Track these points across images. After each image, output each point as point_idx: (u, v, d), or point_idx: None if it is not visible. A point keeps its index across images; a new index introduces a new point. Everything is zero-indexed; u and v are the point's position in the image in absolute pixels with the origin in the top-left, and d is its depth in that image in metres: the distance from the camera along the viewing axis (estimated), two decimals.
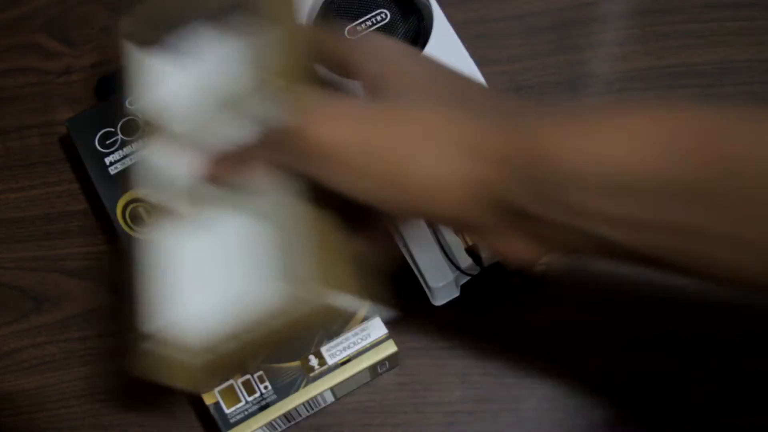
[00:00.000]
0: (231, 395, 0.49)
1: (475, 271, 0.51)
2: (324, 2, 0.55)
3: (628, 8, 0.60)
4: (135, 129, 0.55)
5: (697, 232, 0.29)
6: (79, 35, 0.61)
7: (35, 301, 0.56)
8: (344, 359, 0.50)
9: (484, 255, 0.50)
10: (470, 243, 0.50)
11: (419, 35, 0.55)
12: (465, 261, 0.50)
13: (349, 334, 0.50)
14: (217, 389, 0.49)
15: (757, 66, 0.57)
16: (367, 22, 0.54)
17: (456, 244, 0.50)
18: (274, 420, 0.49)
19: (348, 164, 0.33)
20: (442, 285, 0.51)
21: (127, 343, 0.54)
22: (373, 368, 0.50)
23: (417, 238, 0.51)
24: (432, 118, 0.32)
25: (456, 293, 0.52)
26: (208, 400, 0.49)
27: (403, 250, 0.53)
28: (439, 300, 0.52)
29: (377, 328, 0.50)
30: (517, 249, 0.33)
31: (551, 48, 0.59)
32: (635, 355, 0.51)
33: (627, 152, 0.29)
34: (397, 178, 0.32)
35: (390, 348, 0.50)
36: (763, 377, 0.50)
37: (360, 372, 0.50)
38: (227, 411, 0.49)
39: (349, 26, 0.54)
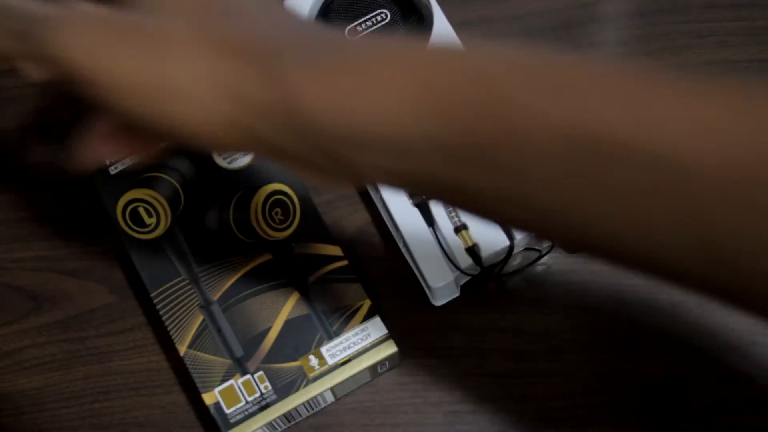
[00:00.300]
0: (231, 395, 0.49)
1: (475, 271, 0.51)
2: (324, 2, 0.55)
3: (628, 8, 0.60)
4: None
5: (456, 186, 0.28)
6: None
7: (35, 301, 0.56)
8: (344, 359, 0.50)
9: (484, 255, 0.50)
10: (470, 243, 0.50)
11: (419, 35, 0.55)
12: (465, 261, 0.50)
13: (349, 334, 0.50)
14: (216, 389, 0.49)
15: (757, 66, 0.57)
16: (367, 22, 0.54)
17: (456, 244, 0.50)
18: (274, 420, 0.49)
19: (92, 81, 0.30)
20: (442, 285, 0.51)
21: (127, 343, 0.54)
22: (373, 368, 0.50)
23: (417, 238, 0.51)
24: (182, 45, 0.29)
25: (456, 293, 0.52)
26: (209, 400, 0.49)
27: (403, 250, 0.53)
28: (439, 300, 0.52)
29: (377, 328, 0.50)
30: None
31: (551, 48, 0.59)
32: (635, 355, 0.52)
33: (371, 103, 0.27)
34: (151, 107, 0.30)
35: (390, 348, 0.50)
36: (763, 377, 0.50)
37: (360, 372, 0.50)
38: (227, 411, 0.49)
39: (350, 26, 0.54)
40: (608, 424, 0.50)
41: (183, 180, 0.53)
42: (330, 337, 0.50)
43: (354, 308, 0.50)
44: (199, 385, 0.50)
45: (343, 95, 0.28)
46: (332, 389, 0.50)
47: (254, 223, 0.52)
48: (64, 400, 0.54)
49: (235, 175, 0.53)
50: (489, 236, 0.51)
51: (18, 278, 0.56)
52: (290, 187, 0.53)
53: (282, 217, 0.52)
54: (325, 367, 0.49)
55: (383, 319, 0.50)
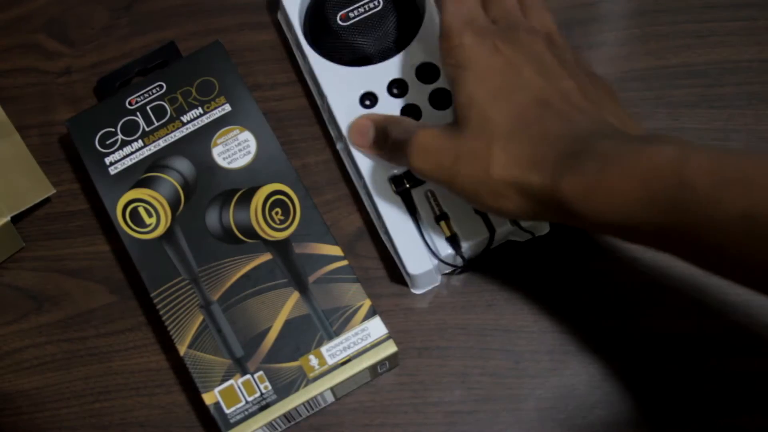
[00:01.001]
0: (231, 395, 0.49)
1: (456, 261, 0.51)
2: None
3: (628, 8, 0.60)
4: (135, 129, 0.55)
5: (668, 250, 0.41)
6: (79, 35, 0.61)
7: (35, 301, 0.56)
8: (344, 359, 0.50)
9: (465, 245, 0.51)
10: (450, 233, 0.51)
11: (410, 24, 0.55)
12: (445, 250, 0.51)
13: (349, 334, 0.50)
14: (216, 389, 0.49)
15: (757, 66, 0.57)
16: (359, 9, 0.55)
17: (438, 233, 0.51)
18: (274, 420, 0.49)
19: (429, 177, 0.47)
20: (420, 273, 0.51)
21: (127, 343, 0.54)
22: (373, 368, 0.50)
23: (398, 226, 0.52)
24: (498, 165, 0.44)
25: (436, 282, 0.53)
26: (208, 400, 0.49)
27: (384, 238, 0.53)
28: (419, 288, 0.53)
29: (377, 328, 0.50)
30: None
31: None
32: (635, 356, 0.51)
33: (607, 200, 0.40)
34: (479, 198, 0.45)
35: (390, 348, 0.50)
36: (763, 377, 0.50)
37: (360, 372, 0.50)
38: (227, 411, 0.49)
39: (341, 12, 0.55)
40: (608, 423, 0.50)
41: (183, 180, 0.53)
42: (330, 337, 0.50)
43: (354, 308, 0.50)
44: (199, 385, 0.50)
45: (591, 195, 0.40)
46: (332, 389, 0.50)
47: (254, 223, 0.52)
48: (64, 400, 0.54)
49: (235, 175, 0.53)
50: (471, 227, 0.51)
51: (18, 278, 0.56)
52: (290, 187, 0.53)
53: (282, 217, 0.52)
54: (325, 367, 0.49)
55: (383, 319, 0.50)
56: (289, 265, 0.51)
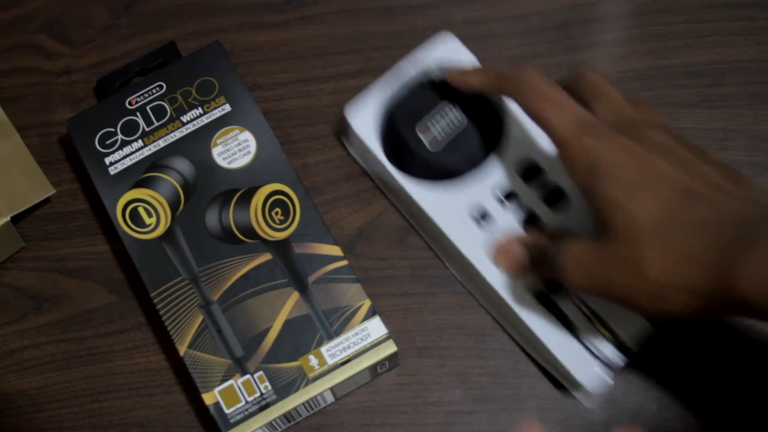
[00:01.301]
0: (231, 395, 0.49)
1: (619, 359, 0.49)
2: (390, 109, 0.53)
3: (628, 8, 0.60)
4: (135, 129, 0.55)
5: None
6: (79, 35, 0.61)
7: (35, 301, 0.56)
8: (344, 359, 0.50)
9: (627, 341, 0.49)
10: (608, 334, 0.49)
11: (496, 127, 0.53)
12: (606, 350, 0.49)
13: (349, 334, 0.50)
14: (216, 389, 0.50)
15: (757, 66, 0.57)
16: (442, 128, 0.52)
17: (593, 334, 0.49)
18: (274, 420, 0.49)
19: (584, 289, 0.45)
20: (594, 383, 0.48)
21: (127, 343, 0.54)
22: (373, 368, 0.50)
23: (552, 337, 0.49)
24: (653, 269, 0.41)
25: (609, 382, 0.50)
26: (208, 400, 0.49)
27: (533, 353, 0.51)
28: (590, 396, 0.50)
29: (377, 328, 0.50)
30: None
31: (551, 48, 0.59)
32: (634, 356, 0.51)
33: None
34: (639, 302, 0.42)
35: (390, 348, 0.50)
36: (763, 377, 0.50)
37: (360, 372, 0.50)
38: (227, 411, 0.49)
39: (429, 138, 0.52)
40: (608, 423, 0.50)
41: (183, 180, 0.53)
42: (330, 337, 0.50)
43: (354, 308, 0.50)
44: (199, 385, 0.50)
45: (758, 281, 0.38)
46: (332, 389, 0.50)
47: (254, 223, 0.52)
48: (64, 400, 0.54)
49: (235, 175, 0.53)
50: (627, 322, 0.49)
51: (18, 278, 0.56)
52: (290, 187, 0.53)
53: (282, 217, 0.52)
54: (325, 367, 0.49)
55: (383, 319, 0.50)
56: (289, 265, 0.51)
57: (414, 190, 0.52)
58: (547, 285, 0.49)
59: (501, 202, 0.51)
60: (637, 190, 0.42)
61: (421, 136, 0.52)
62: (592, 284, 0.43)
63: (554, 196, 0.51)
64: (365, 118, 0.53)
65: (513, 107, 0.52)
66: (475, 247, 0.50)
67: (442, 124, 0.52)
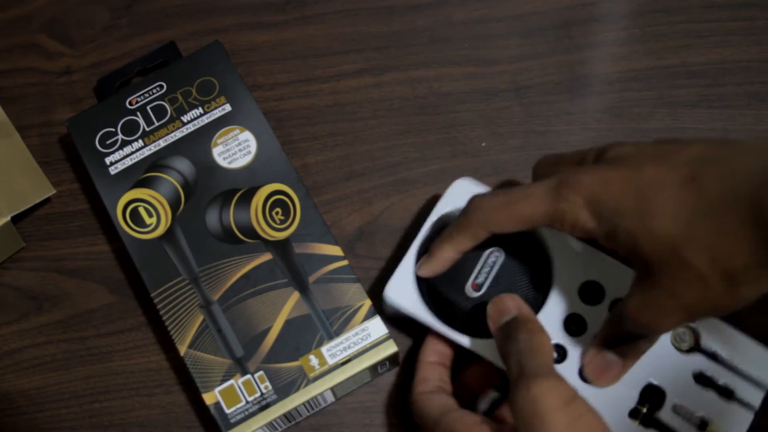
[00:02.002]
0: (231, 395, 0.49)
1: None
2: (433, 225, 0.51)
3: (628, 8, 0.60)
4: (135, 129, 0.55)
5: None
6: (79, 35, 0.61)
7: (35, 301, 0.56)
8: (344, 359, 0.50)
9: None
10: None
11: (542, 258, 0.50)
12: None
13: (349, 334, 0.50)
14: (217, 389, 0.49)
15: (757, 66, 0.57)
16: (484, 273, 0.50)
17: None
18: (274, 420, 0.49)
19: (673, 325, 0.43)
20: None
21: (127, 343, 0.54)
22: (373, 368, 0.50)
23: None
24: None
25: None
26: (209, 400, 0.49)
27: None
28: None
29: (377, 328, 0.50)
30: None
31: (551, 48, 0.59)
32: None
33: None
34: None
35: (390, 348, 0.50)
36: None
37: (360, 372, 0.50)
38: (227, 411, 0.49)
39: (470, 283, 0.50)
40: None
41: (183, 180, 0.53)
42: (330, 337, 0.50)
43: (354, 308, 0.50)
44: (199, 385, 0.50)
45: None
46: (332, 389, 0.50)
47: (254, 223, 0.52)
48: (64, 400, 0.54)
49: (235, 175, 0.53)
50: (730, 418, 0.46)
51: (18, 278, 0.56)
52: (290, 187, 0.53)
53: (282, 217, 0.52)
54: (325, 367, 0.49)
55: (383, 319, 0.50)
56: (289, 265, 0.51)
57: (479, 346, 0.48)
58: (641, 400, 0.47)
59: (574, 332, 0.48)
60: (647, 209, 0.41)
61: (471, 292, 0.50)
62: (675, 320, 0.42)
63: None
64: (409, 296, 0.49)
65: (551, 234, 0.49)
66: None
67: (485, 272, 0.50)
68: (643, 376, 0.47)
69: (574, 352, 0.47)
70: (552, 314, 0.48)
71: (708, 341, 0.47)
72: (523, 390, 0.40)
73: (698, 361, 0.47)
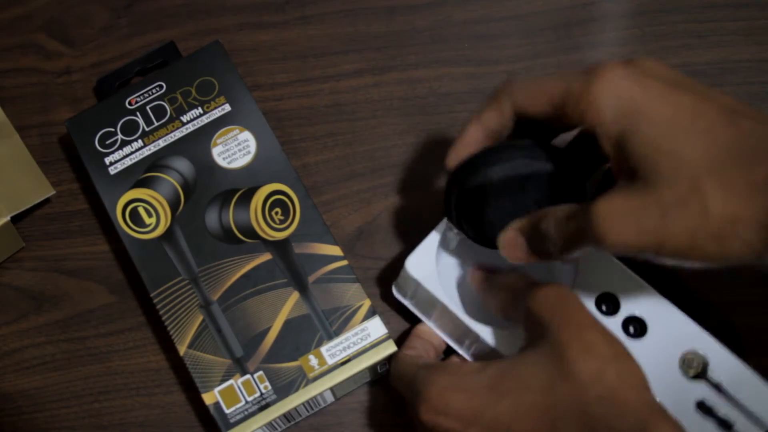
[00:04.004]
0: (231, 395, 0.49)
1: None
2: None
3: (628, 8, 0.60)
4: (135, 129, 0.55)
5: None
6: (79, 35, 0.61)
7: (35, 301, 0.56)
8: (344, 359, 0.50)
9: None
10: None
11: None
12: None
13: (349, 334, 0.50)
14: (216, 389, 0.49)
15: (757, 66, 0.57)
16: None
17: None
18: (274, 420, 0.49)
19: (630, 247, 0.39)
20: None
21: (127, 343, 0.54)
22: (373, 368, 0.50)
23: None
24: None
25: None
26: (208, 400, 0.49)
27: None
28: None
29: (377, 328, 0.50)
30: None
31: (551, 48, 0.59)
32: None
33: None
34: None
35: (390, 348, 0.50)
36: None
37: (360, 372, 0.50)
38: (227, 411, 0.49)
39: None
40: None
41: (183, 180, 0.53)
42: (330, 337, 0.50)
43: (354, 308, 0.50)
44: (199, 385, 0.50)
45: None
46: (332, 389, 0.50)
47: (254, 223, 0.52)
48: (64, 400, 0.54)
49: (235, 175, 0.53)
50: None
51: (18, 278, 0.56)
52: (290, 187, 0.53)
53: (282, 217, 0.52)
54: (325, 367, 0.49)
55: (383, 319, 0.50)
56: (289, 265, 0.51)
57: (489, 336, 0.48)
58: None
59: (603, 311, 0.48)
60: (680, 126, 0.38)
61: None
62: (640, 238, 0.38)
63: (632, 326, 0.48)
64: (428, 270, 0.49)
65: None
66: None
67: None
68: None
69: None
70: None
71: (715, 371, 0.47)
72: (543, 288, 0.41)
73: (702, 390, 0.47)
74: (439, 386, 0.42)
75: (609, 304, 0.48)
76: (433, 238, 0.49)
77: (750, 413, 0.46)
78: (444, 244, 0.50)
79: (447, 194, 0.46)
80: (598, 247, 0.40)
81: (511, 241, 0.44)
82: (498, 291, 0.46)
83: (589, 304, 0.48)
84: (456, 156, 0.45)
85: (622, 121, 0.39)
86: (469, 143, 0.45)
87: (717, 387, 0.47)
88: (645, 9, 0.59)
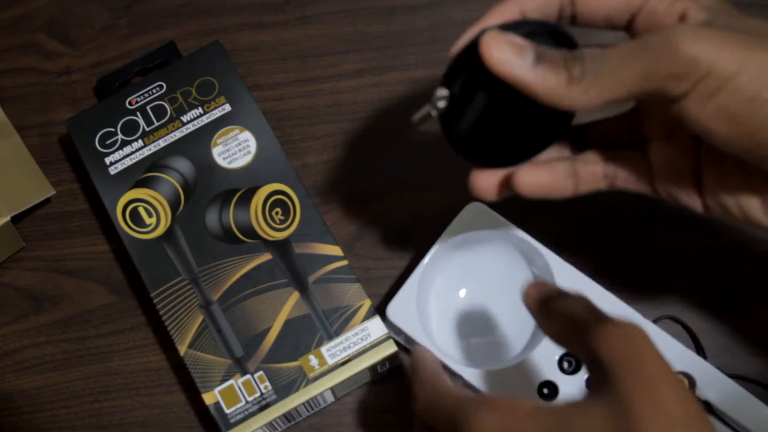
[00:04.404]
0: (231, 395, 0.49)
1: None
2: None
3: None
4: (135, 129, 0.55)
5: None
6: (79, 35, 0.61)
7: (35, 301, 0.56)
8: (344, 359, 0.50)
9: None
10: None
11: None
12: None
13: (349, 334, 0.50)
14: (216, 389, 0.49)
15: None
16: None
17: None
18: (274, 420, 0.49)
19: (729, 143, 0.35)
20: None
21: (127, 343, 0.54)
22: (373, 368, 0.50)
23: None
24: None
25: None
26: (208, 400, 0.49)
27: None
28: None
29: (377, 328, 0.50)
30: None
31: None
32: None
33: None
34: None
35: (390, 348, 0.50)
36: (762, 377, 0.50)
37: (360, 372, 0.50)
38: (227, 411, 0.49)
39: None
40: None
41: (183, 180, 0.53)
42: (330, 337, 0.50)
43: (354, 308, 0.50)
44: (199, 385, 0.50)
45: None
46: (332, 389, 0.50)
47: (254, 223, 0.52)
48: (64, 400, 0.54)
49: (235, 175, 0.53)
50: None
51: (18, 278, 0.56)
52: (290, 187, 0.53)
53: (282, 217, 0.52)
54: (325, 367, 0.49)
55: (383, 319, 0.50)
56: (289, 265, 0.51)
57: (474, 377, 0.48)
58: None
59: (564, 371, 0.48)
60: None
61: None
62: (739, 131, 0.34)
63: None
64: (409, 315, 0.49)
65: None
66: None
67: None
68: None
69: (565, 390, 0.48)
70: (548, 351, 0.48)
71: (703, 390, 0.47)
72: (611, 325, 0.34)
73: None
74: (490, 427, 0.35)
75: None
76: (412, 283, 0.50)
77: (743, 428, 0.46)
78: (424, 287, 0.50)
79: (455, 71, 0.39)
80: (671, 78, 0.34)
81: (514, 42, 0.36)
82: (557, 319, 0.38)
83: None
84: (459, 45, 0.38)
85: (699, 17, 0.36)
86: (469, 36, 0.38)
87: (706, 405, 0.47)
88: None
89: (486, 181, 0.41)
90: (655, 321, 0.49)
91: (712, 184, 0.39)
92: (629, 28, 0.38)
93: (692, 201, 0.40)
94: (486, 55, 0.35)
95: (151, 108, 0.55)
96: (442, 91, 0.38)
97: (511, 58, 0.35)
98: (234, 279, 0.51)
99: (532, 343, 0.49)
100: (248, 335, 0.50)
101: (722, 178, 0.39)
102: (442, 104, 0.38)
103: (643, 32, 0.38)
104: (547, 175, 0.40)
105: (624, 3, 0.38)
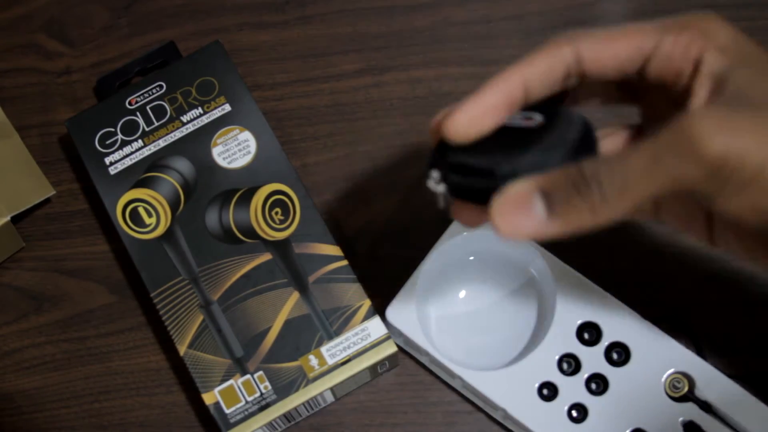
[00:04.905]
0: (231, 395, 0.49)
1: None
2: None
3: (628, 8, 0.60)
4: (135, 129, 0.55)
5: None
6: (79, 35, 0.61)
7: (35, 301, 0.56)
8: (344, 359, 0.50)
9: None
10: None
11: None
12: None
13: (349, 334, 0.50)
14: (216, 389, 0.49)
15: None
16: None
17: None
18: (274, 420, 0.49)
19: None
20: None
21: (127, 343, 0.54)
22: (373, 368, 0.50)
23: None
24: None
25: None
26: (208, 400, 0.49)
27: None
28: None
29: (377, 328, 0.50)
30: None
31: None
32: None
33: None
34: None
35: (390, 348, 0.50)
36: (764, 376, 0.50)
37: (360, 372, 0.50)
38: (227, 411, 0.49)
39: None
40: None
41: (183, 180, 0.53)
42: (330, 337, 0.50)
43: (354, 308, 0.50)
44: (199, 385, 0.50)
45: None
46: (332, 389, 0.50)
47: (254, 223, 0.52)
48: (64, 400, 0.54)
49: (235, 175, 0.53)
50: None
51: (18, 278, 0.56)
52: (290, 187, 0.53)
53: (282, 217, 0.52)
54: (325, 367, 0.49)
55: (383, 319, 0.50)
56: (289, 265, 0.51)
57: (473, 378, 0.48)
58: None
59: (565, 372, 0.48)
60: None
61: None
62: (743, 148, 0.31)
63: (615, 352, 0.48)
64: (408, 317, 0.50)
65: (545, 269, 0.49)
66: (551, 424, 0.47)
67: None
68: (631, 421, 0.47)
69: (565, 391, 0.48)
70: (548, 352, 0.48)
71: (703, 391, 0.47)
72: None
73: (689, 410, 0.46)
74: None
75: (591, 331, 0.49)
76: (411, 284, 0.50)
77: (743, 428, 0.46)
78: (423, 289, 0.50)
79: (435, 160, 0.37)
80: (687, 175, 0.31)
81: (519, 200, 0.33)
82: None
83: (571, 335, 0.48)
84: (461, 121, 0.35)
85: (714, 66, 0.34)
86: (483, 107, 0.35)
87: (705, 406, 0.47)
88: (645, 9, 0.59)
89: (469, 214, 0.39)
90: (655, 321, 0.49)
91: (724, 234, 0.38)
92: (641, 73, 0.36)
93: (699, 236, 0.39)
94: (496, 230, 0.33)
95: (151, 108, 0.55)
96: (436, 178, 0.37)
97: (521, 222, 0.33)
98: (234, 279, 0.51)
99: (532, 344, 0.49)
100: (248, 335, 0.50)
101: (737, 235, 0.37)
102: (441, 188, 0.37)
103: (657, 78, 0.36)
104: None
105: (635, 49, 0.36)
